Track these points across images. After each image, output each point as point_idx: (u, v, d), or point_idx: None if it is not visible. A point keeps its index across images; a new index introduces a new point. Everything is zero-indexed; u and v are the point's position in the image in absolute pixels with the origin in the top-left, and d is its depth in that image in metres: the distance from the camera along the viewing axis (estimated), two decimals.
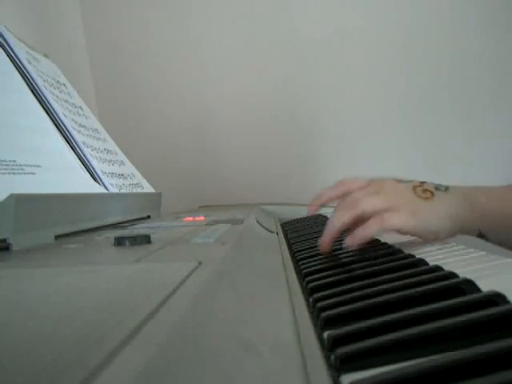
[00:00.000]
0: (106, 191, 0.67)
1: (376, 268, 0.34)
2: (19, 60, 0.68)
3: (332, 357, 0.19)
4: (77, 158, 0.66)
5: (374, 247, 0.44)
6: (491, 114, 1.18)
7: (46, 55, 0.84)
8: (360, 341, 0.20)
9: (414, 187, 0.46)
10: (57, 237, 0.47)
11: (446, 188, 0.46)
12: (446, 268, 0.31)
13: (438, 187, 0.46)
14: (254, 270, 0.34)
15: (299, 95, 1.25)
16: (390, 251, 0.41)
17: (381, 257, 0.39)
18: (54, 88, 0.76)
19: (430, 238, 0.45)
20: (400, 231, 0.43)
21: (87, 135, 0.76)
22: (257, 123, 1.26)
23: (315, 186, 1.23)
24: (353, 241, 0.41)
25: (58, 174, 0.57)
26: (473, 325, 0.20)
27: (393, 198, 0.44)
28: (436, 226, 0.44)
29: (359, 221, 0.45)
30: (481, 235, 0.47)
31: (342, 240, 0.52)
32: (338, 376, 0.18)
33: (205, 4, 1.27)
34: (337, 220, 0.44)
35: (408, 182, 0.47)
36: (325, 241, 0.44)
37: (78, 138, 0.70)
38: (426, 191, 0.45)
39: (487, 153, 1.17)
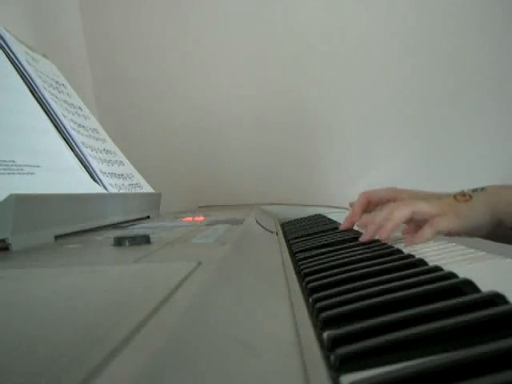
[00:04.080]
0: (105, 191, 0.67)
1: (376, 268, 0.34)
2: (18, 60, 0.68)
3: (332, 357, 0.19)
4: (76, 159, 0.66)
5: (374, 247, 0.44)
6: (493, 113, 1.18)
7: (44, 55, 0.84)
8: (360, 341, 0.20)
9: (454, 195, 0.53)
10: (56, 237, 0.47)
11: (482, 188, 0.53)
12: (446, 268, 0.31)
13: (475, 189, 0.53)
14: (253, 270, 0.34)
15: (299, 95, 1.25)
16: (390, 251, 0.41)
17: (381, 257, 0.39)
18: (53, 88, 0.76)
19: (475, 234, 0.52)
20: (449, 233, 0.49)
21: (86, 135, 0.76)
22: (256, 123, 1.26)
23: (315, 186, 1.24)
24: (412, 244, 0.46)
25: (57, 174, 0.57)
26: (473, 325, 0.20)
27: (438, 205, 0.51)
28: (478, 221, 0.50)
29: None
30: None
31: (341, 240, 0.52)
32: (338, 376, 0.18)
33: (205, 4, 1.27)
34: (398, 215, 0.49)
35: (448, 194, 0.55)
36: (386, 231, 0.48)
37: (78, 138, 0.70)
38: (464, 195, 0.52)
39: (489, 153, 1.17)
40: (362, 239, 0.49)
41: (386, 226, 0.48)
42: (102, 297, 0.21)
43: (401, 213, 0.49)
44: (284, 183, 1.25)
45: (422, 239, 0.47)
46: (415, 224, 0.52)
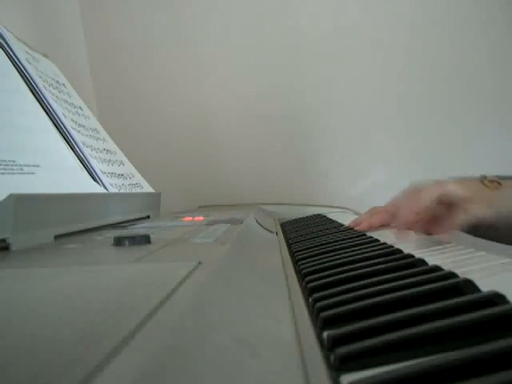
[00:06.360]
0: (105, 191, 0.67)
1: (376, 268, 0.34)
2: (19, 60, 0.68)
3: (332, 357, 0.19)
4: (76, 158, 0.66)
5: (374, 247, 0.44)
6: (491, 114, 1.18)
7: (45, 55, 0.84)
8: (360, 341, 0.20)
9: (481, 180, 0.48)
10: (56, 237, 0.47)
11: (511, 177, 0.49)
12: (446, 268, 0.31)
13: (502, 177, 0.49)
14: (253, 270, 0.34)
15: (299, 95, 1.25)
16: (390, 251, 0.41)
17: (380, 257, 0.39)
18: (54, 88, 0.76)
19: (504, 225, 0.46)
20: (479, 220, 0.44)
21: (87, 135, 0.76)
22: (256, 123, 1.26)
23: (315, 186, 1.24)
24: (443, 232, 0.42)
25: (57, 173, 0.57)
26: (473, 325, 0.20)
27: (467, 188, 0.45)
28: (509, 211, 0.45)
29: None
30: None
31: (341, 240, 0.52)
32: (338, 376, 0.18)
33: (205, 4, 1.27)
34: (428, 196, 0.44)
35: (470, 178, 0.49)
36: (413, 213, 0.43)
37: (78, 137, 0.70)
38: (493, 182, 0.47)
39: (488, 153, 1.16)
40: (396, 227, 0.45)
41: (412, 208, 0.44)
42: (101, 296, 0.21)
43: (428, 193, 0.44)
44: (284, 183, 1.25)
45: (455, 226, 0.42)
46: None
